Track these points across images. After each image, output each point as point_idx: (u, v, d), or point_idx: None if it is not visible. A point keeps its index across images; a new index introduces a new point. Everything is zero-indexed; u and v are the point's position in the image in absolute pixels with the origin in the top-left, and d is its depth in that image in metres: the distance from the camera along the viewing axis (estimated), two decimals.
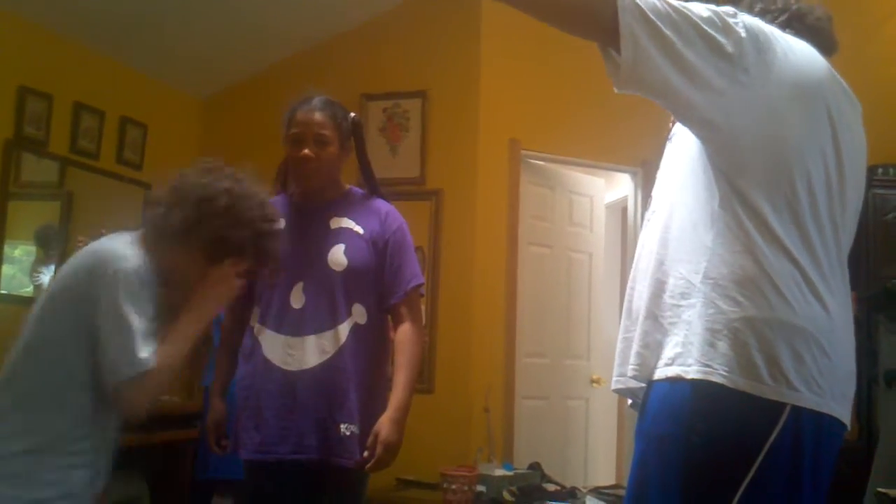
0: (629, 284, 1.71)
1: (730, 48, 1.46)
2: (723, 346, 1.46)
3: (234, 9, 4.64)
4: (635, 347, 1.60)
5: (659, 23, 1.42)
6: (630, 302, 1.69)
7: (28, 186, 4.34)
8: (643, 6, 1.42)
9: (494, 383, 4.66)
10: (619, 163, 5.34)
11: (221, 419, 2.64)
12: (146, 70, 4.99)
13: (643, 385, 1.62)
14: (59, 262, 4.40)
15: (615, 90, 1.49)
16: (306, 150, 2.49)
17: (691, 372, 1.47)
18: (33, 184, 4.41)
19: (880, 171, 4.42)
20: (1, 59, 4.13)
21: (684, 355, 1.50)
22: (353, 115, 2.65)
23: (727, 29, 1.46)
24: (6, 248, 4.16)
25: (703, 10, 1.46)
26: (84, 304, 1.83)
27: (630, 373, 1.62)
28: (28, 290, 4.33)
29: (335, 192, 2.62)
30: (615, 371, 1.71)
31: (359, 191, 2.68)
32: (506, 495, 3.96)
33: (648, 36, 1.42)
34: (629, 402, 1.78)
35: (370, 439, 2.40)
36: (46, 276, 4.39)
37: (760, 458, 1.42)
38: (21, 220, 4.27)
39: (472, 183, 4.82)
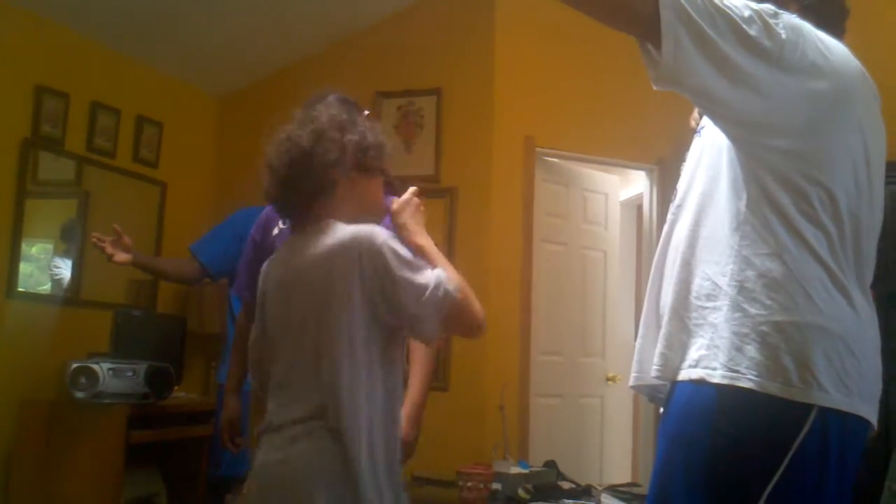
0: (651, 280, 1.70)
1: (771, 50, 1.44)
2: (751, 350, 1.45)
3: (250, 7, 4.66)
4: (659, 347, 1.60)
5: (701, 21, 1.40)
6: (653, 299, 1.69)
7: (45, 185, 4.37)
8: (685, 3, 1.40)
9: (509, 381, 4.65)
10: (635, 160, 5.32)
11: (236, 416, 2.65)
12: (162, 68, 5.01)
13: (662, 383, 1.62)
14: (77, 259, 4.44)
15: (654, 87, 1.47)
16: None
17: (716, 376, 1.47)
18: (50, 182, 4.44)
19: None
20: (18, 58, 4.16)
21: (709, 358, 1.49)
22: (367, 112, 2.65)
23: (768, 30, 1.45)
24: (24, 246, 4.18)
25: (744, 9, 1.45)
26: (365, 281, 1.84)
27: (653, 373, 1.61)
28: (46, 288, 4.36)
29: None
30: (634, 367, 1.71)
31: None
32: (521, 493, 3.95)
33: (690, 35, 1.40)
34: (647, 397, 1.77)
35: None
36: (66, 271, 4.42)
37: (787, 459, 1.41)
38: (38, 218, 4.30)
39: (487, 180, 4.82)
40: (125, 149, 4.79)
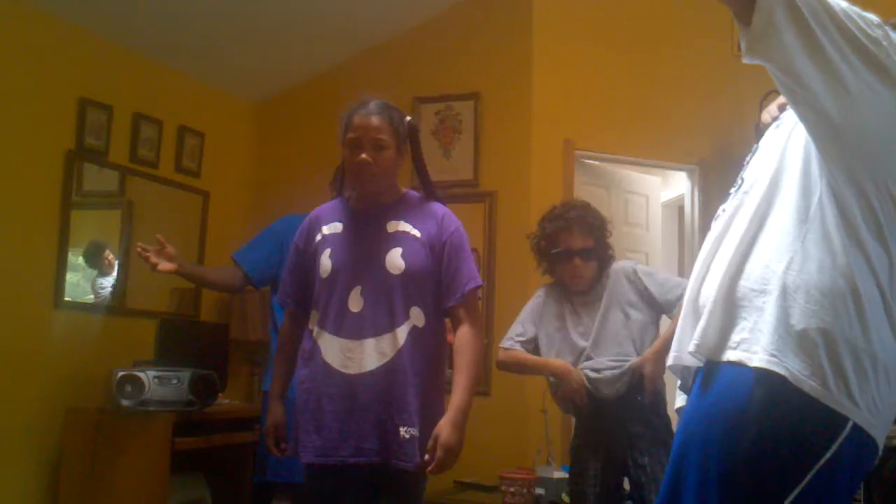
0: (701, 261, 1.67)
1: (868, 51, 1.42)
2: (793, 342, 1.44)
3: (287, 15, 4.69)
4: (701, 323, 1.57)
5: (800, 5, 1.38)
6: (699, 282, 1.66)
7: (90, 196, 4.43)
8: None
9: None
10: (675, 161, 5.27)
11: (280, 422, 2.65)
12: (203, 78, 5.06)
13: (698, 364, 1.60)
14: (122, 271, 4.49)
15: (742, 60, 1.46)
16: (364, 155, 2.49)
17: (755, 360, 1.46)
18: (95, 193, 4.50)
19: None
20: (62, 71, 4.23)
21: (750, 341, 1.48)
22: (409, 118, 2.65)
23: (869, 29, 1.43)
24: (70, 256, 4.24)
25: (849, 10, 1.43)
26: None
27: (691, 347, 1.58)
28: (90, 298, 4.42)
29: (392, 195, 2.62)
30: (674, 346, 1.69)
31: (415, 194, 2.68)
32: (564, 497, 3.93)
33: (786, 16, 1.38)
34: (678, 383, 1.75)
35: (430, 443, 2.39)
36: (107, 288, 4.47)
37: (817, 467, 1.40)
38: (83, 228, 4.36)
39: (526, 184, 4.80)
40: (168, 159, 4.84)
